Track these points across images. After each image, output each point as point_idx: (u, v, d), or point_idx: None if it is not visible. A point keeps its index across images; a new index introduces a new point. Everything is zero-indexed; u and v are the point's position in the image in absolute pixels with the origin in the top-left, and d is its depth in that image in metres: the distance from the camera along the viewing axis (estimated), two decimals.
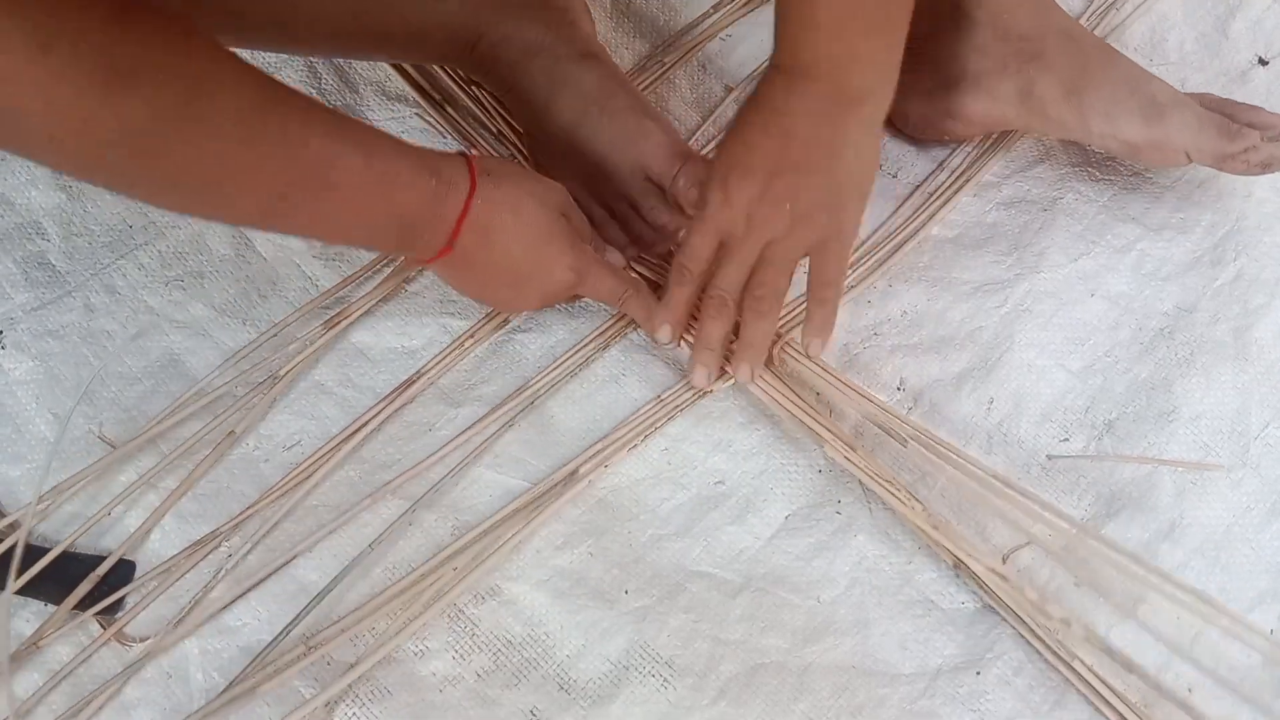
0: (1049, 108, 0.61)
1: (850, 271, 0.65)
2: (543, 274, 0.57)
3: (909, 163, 0.70)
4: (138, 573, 0.56)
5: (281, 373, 0.61)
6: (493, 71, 0.62)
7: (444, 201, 0.51)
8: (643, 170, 0.62)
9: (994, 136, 0.69)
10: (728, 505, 0.58)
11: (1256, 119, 0.60)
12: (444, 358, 0.62)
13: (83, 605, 0.54)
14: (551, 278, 0.57)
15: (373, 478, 0.59)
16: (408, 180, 0.50)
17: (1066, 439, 0.60)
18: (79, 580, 0.54)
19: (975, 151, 0.69)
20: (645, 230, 0.64)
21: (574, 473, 0.58)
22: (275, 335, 0.63)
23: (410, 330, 0.64)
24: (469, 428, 0.60)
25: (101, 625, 0.54)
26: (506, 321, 0.64)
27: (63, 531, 0.56)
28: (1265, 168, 0.59)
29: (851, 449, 0.57)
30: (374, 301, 0.64)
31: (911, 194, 0.68)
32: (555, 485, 0.58)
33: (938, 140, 0.69)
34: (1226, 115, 0.60)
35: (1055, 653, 0.52)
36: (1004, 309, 0.64)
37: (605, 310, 0.64)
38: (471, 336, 0.63)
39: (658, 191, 0.62)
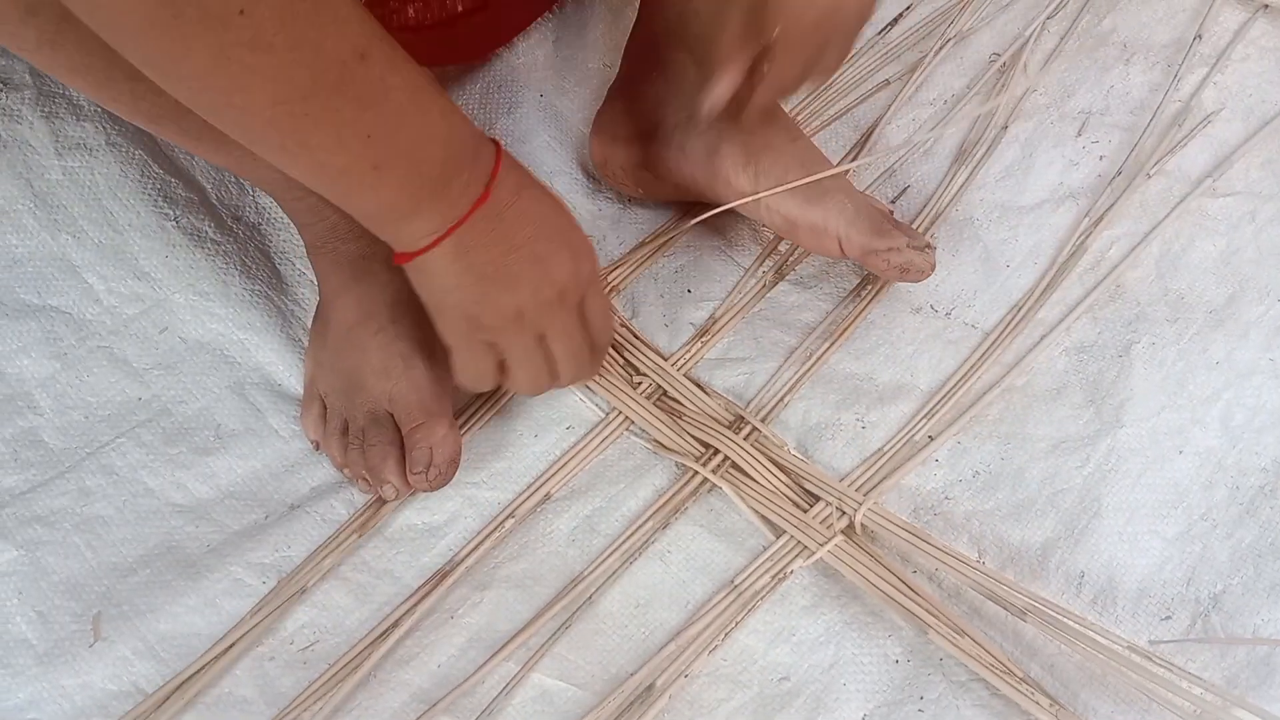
0: (729, 172, 0.59)
1: (921, 423, 0.60)
2: (571, 251, 0.49)
3: (964, 302, 0.65)
4: None
5: (308, 579, 0.55)
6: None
7: (479, 154, 0.45)
8: None
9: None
10: (795, 707, 0.52)
11: (906, 231, 0.59)
12: (480, 541, 0.57)
13: None
14: (578, 260, 0.50)
15: (392, 677, 0.53)
16: (452, 110, 0.44)
17: (1168, 616, 0.54)
18: None
19: (1035, 288, 0.65)
20: None
21: (651, 686, 0.52)
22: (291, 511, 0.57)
23: (431, 504, 0.58)
24: (521, 631, 0.54)
25: None
26: (548, 496, 0.58)
27: None
28: (903, 272, 0.58)
29: (959, 633, 0.51)
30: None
31: (983, 341, 0.63)
32: (630, 704, 0.51)
33: (634, 194, 0.67)
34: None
35: None
36: (1086, 469, 0.58)
37: (648, 479, 0.59)
38: (510, 515, 0.57)
39: None
